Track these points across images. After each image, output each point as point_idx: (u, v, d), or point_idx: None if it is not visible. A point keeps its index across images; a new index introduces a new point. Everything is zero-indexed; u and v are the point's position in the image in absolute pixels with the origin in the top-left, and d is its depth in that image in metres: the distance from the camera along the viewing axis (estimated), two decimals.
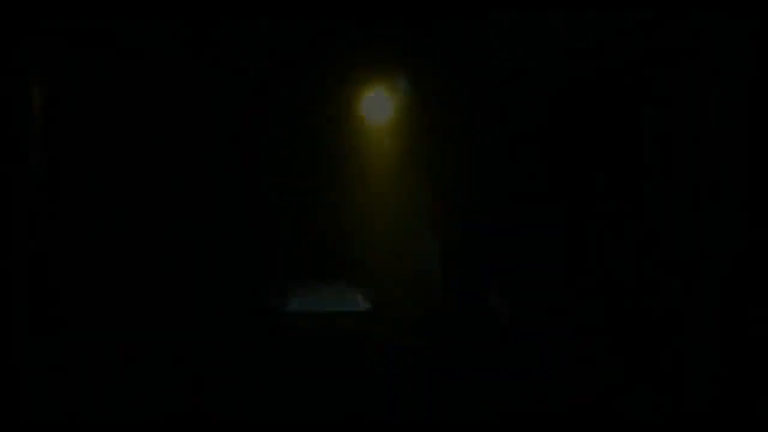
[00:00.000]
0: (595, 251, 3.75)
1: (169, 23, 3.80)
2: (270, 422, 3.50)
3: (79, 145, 3.41)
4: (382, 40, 4.30)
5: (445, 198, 4.20)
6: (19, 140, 3.19)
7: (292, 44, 4.31)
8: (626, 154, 3.64)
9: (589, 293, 3.84)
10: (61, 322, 3.40)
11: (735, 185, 3.03)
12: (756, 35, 2.97)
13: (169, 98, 3.82)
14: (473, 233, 4.20)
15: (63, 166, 3.35)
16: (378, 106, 4.19)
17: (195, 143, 3.98)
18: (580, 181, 3.89)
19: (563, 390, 3.74)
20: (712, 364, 3.13)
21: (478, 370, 3.71)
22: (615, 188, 3.69)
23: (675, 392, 3.33)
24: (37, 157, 3.20)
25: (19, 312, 3.30)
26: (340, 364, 3.64)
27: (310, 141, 4.41)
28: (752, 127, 3.07)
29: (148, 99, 3.70)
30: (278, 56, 4.30)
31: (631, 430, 3.42)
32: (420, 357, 3.71)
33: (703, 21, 3.09)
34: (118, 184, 3.59)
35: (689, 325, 3.24)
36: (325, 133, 4.37)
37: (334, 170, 4.34)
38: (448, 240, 4.20)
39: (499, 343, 3.84)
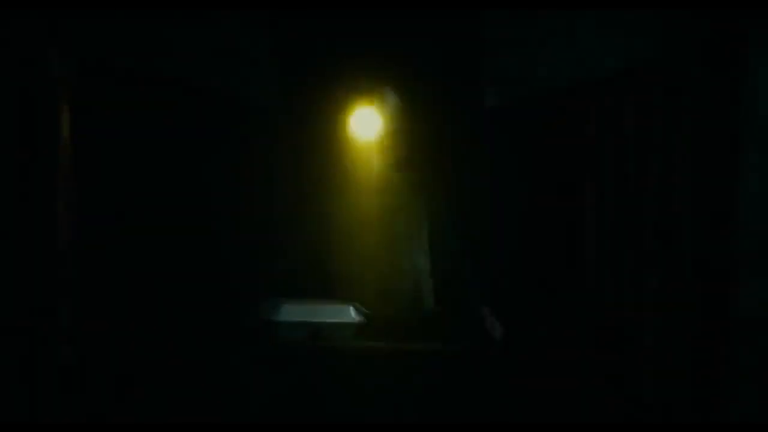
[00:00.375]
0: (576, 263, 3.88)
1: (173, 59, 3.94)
2: (257, 424, 3.60)
3: (102, 168, 3.62)
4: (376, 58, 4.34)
5: (437, 213, 4.18)
6: (48, 160, 3.36)
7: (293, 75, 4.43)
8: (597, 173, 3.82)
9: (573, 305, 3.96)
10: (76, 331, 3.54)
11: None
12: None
13: (171, 126, 3.97)
14: (464, 246, 4.17)
15: (88, 190, 3.54)
16: (369, 121, 4.13)
17: (197, 165, 4.06)
18: (566, 201, 4.00)
19: (554, 399, 3.85)
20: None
21: (471, 379, 3.72)
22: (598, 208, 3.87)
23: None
24: (64, 179, 3.36)
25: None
26: (332, 372, 3.67)
27: (303, 156, 4.42)
28: None
29: (157, 123, 3.87)
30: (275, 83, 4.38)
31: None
32: (413, 366, 3.71)
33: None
34: (135, 202, 3.76)
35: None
36: (318, 148, 4.37)
37: (325, 184, 4.28)
38: (440, 254, 4.18)
39: (492, 353, 3.88)
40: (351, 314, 3.72)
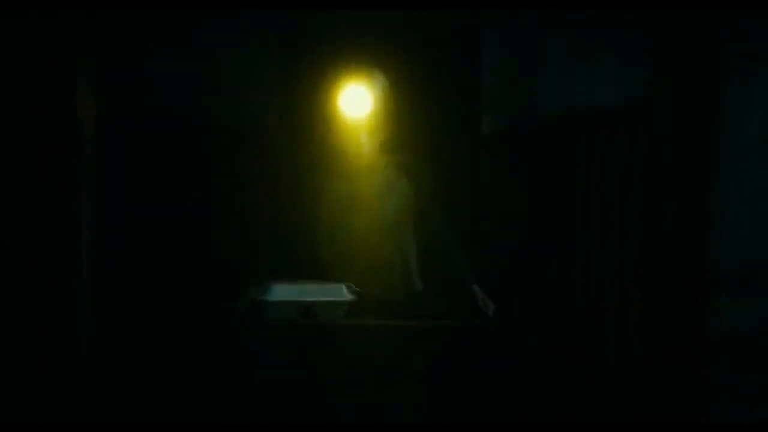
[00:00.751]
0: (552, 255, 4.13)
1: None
2: (250, 405, 3.62)
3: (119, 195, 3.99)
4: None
5: (424, 193, 4.17)
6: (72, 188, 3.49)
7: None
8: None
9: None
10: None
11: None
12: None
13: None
14: (452, 225, 4.17)
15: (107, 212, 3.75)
16: (357, 102, 4.09)
17: (200, 172, 4.35)
18: (556, 218, 4.16)
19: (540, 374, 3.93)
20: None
21: (464, 355, 3.73)
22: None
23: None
24: (87, 205, 3.49)
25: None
26: (323, 350, 3.66)
27: (292, 139, 4.53)
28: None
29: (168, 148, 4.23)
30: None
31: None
32: (404, 341, 3.70)
33: None
34: (147, 205, 4.13)
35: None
36: (310, 132, 4.40)
37: (313, 165, 4.28)
38: (428, 232, 4.17)
39: (483, 328, 3.84)
40: (343, 293, 3.63)
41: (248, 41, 4.60)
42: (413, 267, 4.19)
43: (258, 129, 4.58)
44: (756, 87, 3.87)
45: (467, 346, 3.70)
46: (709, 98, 3.56)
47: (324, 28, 4.70)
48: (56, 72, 3.41)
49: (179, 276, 4.15)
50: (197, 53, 4.49)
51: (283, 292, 3.65)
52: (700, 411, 3.53)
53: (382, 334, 3.63)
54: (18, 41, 3.38)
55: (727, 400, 3.52)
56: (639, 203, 3.71)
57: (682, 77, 3.58)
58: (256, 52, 4.61)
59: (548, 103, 4.38)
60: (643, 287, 3.68)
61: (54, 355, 3.40)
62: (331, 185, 4.18)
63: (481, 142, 4.64)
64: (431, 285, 4.17)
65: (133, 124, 4.06)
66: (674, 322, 3.53)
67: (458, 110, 4.74)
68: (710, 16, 3.71)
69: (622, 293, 3.78)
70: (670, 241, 3.56)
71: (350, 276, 3.97)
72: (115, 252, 3.85)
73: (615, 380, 3.80)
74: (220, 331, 3.73)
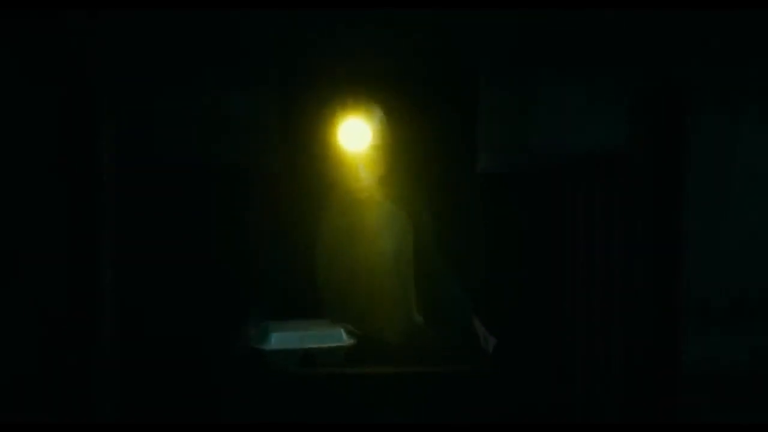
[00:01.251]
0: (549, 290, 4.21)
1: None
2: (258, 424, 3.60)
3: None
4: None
5: (422, 225, 4.22)
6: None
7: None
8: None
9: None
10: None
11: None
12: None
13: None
14: (450, 259, 4.23)
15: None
16: (356, 137, 4.11)
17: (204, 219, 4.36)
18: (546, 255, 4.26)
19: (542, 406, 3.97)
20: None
21: (464, 393, 3.74)
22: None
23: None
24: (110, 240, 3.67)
25: None
26: (325, 398, 3.65)
27: (292, 174, 4.50)
28: None
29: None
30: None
31: None
32: (406, 384, 3.71)
33: None
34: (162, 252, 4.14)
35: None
36: (310, 167, 4.41)
37: (312, 199, 4.31)
38: (427, 265, 4.22)
39: (484, 366, 3.88)
40: (342, 337, 3.70)
41: (249, 79, 4.67)
42: (413, 300, 4.23)
43: (259, 166, 4.64)
44: (745, 124, 3.99)
45: (467, 391, 3.75)
46: (690, 139, 3.69)
47: (323, 63, 4.76)
48: (77, 111, 3.59)
49: (183, 308, 4.14)
50: (198, 94, 4.55)
51: (281, 340, 3.70)
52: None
53: (382, 381, 3.69)
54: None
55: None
56: (621, 244, 3.83)
57: (665, 119, 3.68)
58: (256, 89, 4.67)
59: (543, 143, 4.46)
60: (626, 319, 3.80)
61: (72, 385, 3.49)
62: (329, 219, 4.23)
63: (478, 179, 4.71)
64: (431, 318, 4.20)
65: (132, 165, 4.08)
66: (653, 352, 3.67)
67: (457, 145, 4.79)
68: (698, 55, 3.82)
69: (608, 323, 3.90)
70: (647, 277, 3.70)
71: (350, 308, 4.04)
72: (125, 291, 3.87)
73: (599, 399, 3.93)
74: (220, 366, 3.78)
